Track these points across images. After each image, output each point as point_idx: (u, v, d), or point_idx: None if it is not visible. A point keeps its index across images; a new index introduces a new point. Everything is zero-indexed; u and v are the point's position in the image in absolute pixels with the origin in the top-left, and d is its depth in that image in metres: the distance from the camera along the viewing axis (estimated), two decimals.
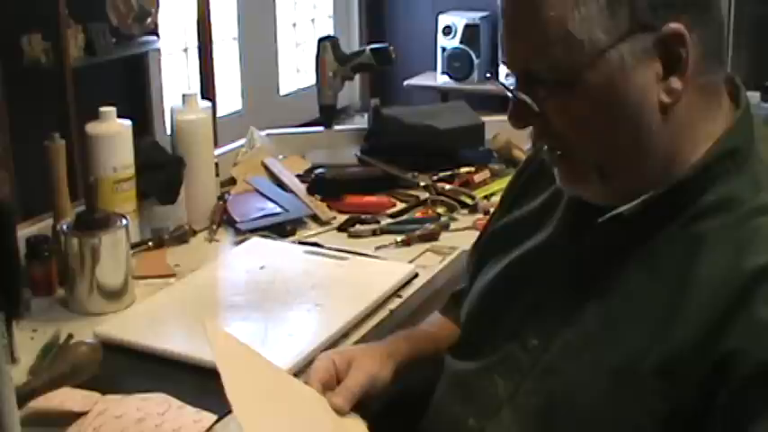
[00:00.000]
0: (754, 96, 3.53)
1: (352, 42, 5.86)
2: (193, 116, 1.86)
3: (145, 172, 1.76)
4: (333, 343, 1.41)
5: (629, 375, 0.95)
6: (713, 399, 0.89)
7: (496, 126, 2.21)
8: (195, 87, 4.60)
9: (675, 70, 0.96)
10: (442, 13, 5.42)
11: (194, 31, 4.57)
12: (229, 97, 5.20)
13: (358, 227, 1.84)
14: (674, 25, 0.94)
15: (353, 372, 1.18)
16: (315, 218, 1.90)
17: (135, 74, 4.37)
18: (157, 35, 4.25)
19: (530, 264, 1.12)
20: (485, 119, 2.24)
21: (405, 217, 1.91)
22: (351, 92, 5.75)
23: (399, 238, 1.78)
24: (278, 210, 1.91)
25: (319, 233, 1.85)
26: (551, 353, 1.03)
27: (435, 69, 5.42)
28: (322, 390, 1.16)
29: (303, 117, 4.20)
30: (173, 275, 1.66)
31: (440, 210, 1.95)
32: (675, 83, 0.96)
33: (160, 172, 1.80)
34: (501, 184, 1.99)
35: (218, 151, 2.06)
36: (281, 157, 2.20)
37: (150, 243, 1.76)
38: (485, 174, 2.09)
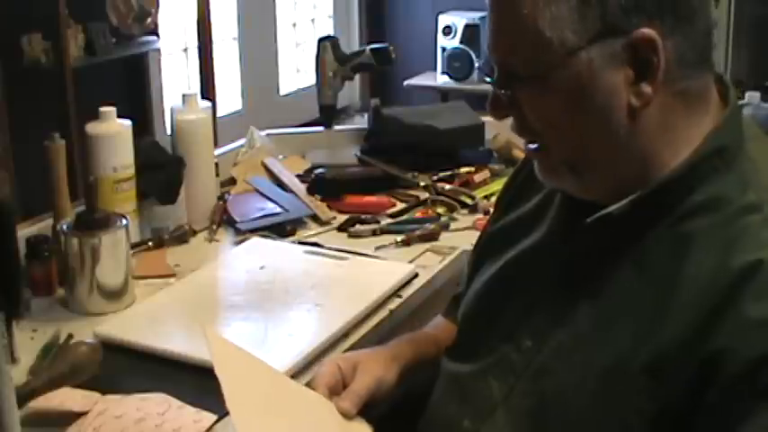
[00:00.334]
0: (754, 96, 3.52)
1: (352, 42, 5.86)
2: (193, 116, 1.86)
3: (145, 172, 1.76)
4: (333, 343, 1.41)
5: (619, 375, 0.95)
6: (702, 397, 0.90)
7: (496, 126, 2.20)
8: (195, 87, 4.60)
9: (646, 75, 0.96)
10: (441, 13, 5.42)
11: (194, 31, 4.57)
12: (229, 97, 5.20)
13: (358, 227, 1.84)
14: (645, 30, 0.95)
15: (359, 375, 1.19)
16: (315, 218, 1.90)
17: (135, 74, 4.37)
18: (157, 35, 4.25)
19: (524, 264, 1.13)
20: (485, 119, 2.24)
21: (405, 217, 1.91)
22: (351, 92, 5.75)
23: (399, 238, 1.78)
24: (278, 210, 1.91)
25: (319, 233, 1.85)
26: (544, 354, 1.04)
27: (435, 69, 5.42)
28: (328, 395, 1.16)
29: (303, 117, 4.20)
30: (173, 275, 1.66)
31: (440, 210, 1.95)
32: (646, 87, 0.97)
33: (160, 172, 1.80)
34: (501, 184, 1.97)
35: (218, 151, 2.06)
36: (281, 157, 2.20)
37: (150, 243, 1.76)
38: (485, 174, 2.09)
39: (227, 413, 1.21)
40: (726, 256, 0.93)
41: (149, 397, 1.24)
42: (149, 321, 1.46)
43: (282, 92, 5.71)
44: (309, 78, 4.90)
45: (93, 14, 3.91)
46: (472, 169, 2.10)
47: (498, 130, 2.20)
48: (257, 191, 2.01)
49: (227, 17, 5.18)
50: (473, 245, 1.33)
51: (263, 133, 2.28)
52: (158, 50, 4.39)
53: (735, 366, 0.88)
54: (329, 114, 2.35)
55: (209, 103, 1.92)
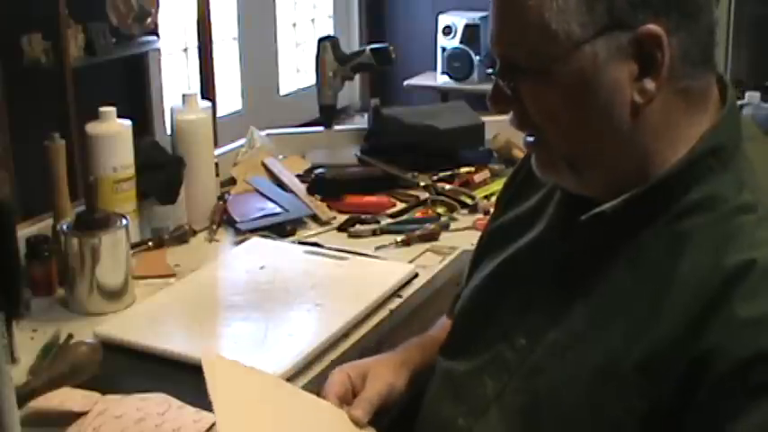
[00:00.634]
0: (754, 96, 3.52)
1: (352, 42, 5.86)
2: (193, 116, 1.86)
3: (145, 172, 1.76)
4: (333, 343, 1.41)
5: (611, 373, 0.95)
6: (693, 395, 0.90)
7: (496, 126, 2.21)
8: (195, 87, 4.60)
9: (650, 72, 0.96)
10: (441, 13, 5.42)
11: (194, 31, 4.57)
12: (229, 97, 5.20)
13: (358, 227, 1.84)
14: (651, 26, 0.94)
15: (370, 383, 1.19)
16: (315, 218, 1.90)
17: (135, 74, 4.37)
18: (157, 35, 4.25)
19: (520, 262, 1.13)
20: (485, 119, 2.24)
21: (405, 217, 1.91)
22: (351, 92, 5.76)
23: (399, 238, 1.78)
24: (278, 210, 1.91)
25: (319, 233, 1.85)
26: (538, 352, 1.03)
27: (435, 69, 5.42)
28: (339, 404, 1.16)
29: (303, 117, 4.20)
30: (173, 275, 1.66)
31: (440, 210, 1.95)
32: (649, 84, 0.96)
33: (160, 172, 1.80)
34: (501, 184, 1.97)
35: (218, 151, 2.06)
36: (281, 157, 2.20)
37: (150, 243, 1.76)
38: (485, 174, 2.09)
39: None
40: (719, 255, 0.93)
41: (149, 397, 1.24)
42: (149, 321, 1.46)
43: (282, 92, 5.72)
44: (309, 78, 4.90)
45: (93, 14, 3.91)
46: (472, 169, 2.09)
47: (498, 130, 2.20)
48: (257, 191, 2.01)
49: (227, 17, 5.19)
50: (474, 245, 1.33)
51: (263, 133, 2.28)
52: (158, 50, 4.39)
53: (725, 365, 0.88)
54: (329, 114, 2.35)
55: (209, 103, 1.92)
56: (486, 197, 1.98)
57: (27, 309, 1.51)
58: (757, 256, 0.91)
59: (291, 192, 1.99)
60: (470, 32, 5.29)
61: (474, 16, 5.31)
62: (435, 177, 2.07)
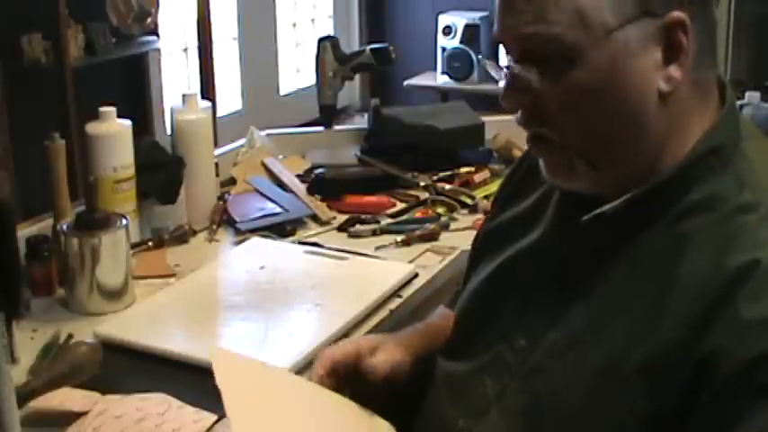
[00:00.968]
0: (754, 96, 3.51)
1: (352, 42, 5.86)
2: (193, 116, 1.86)
3: (145, 172, 1.76)
4: (333, 343, 1.40)
5: (613, 375, 0.95)
6: (697, 398, 0.89)
7: (496, 126, 2.21)
8: (195, 87, 4.60)
9: (675, 59, 0.96)
10: (441, 13, 5.42)
11: (194, 31, 4.57)
12: (229, 97, 5.20)
13: (358, 227, 1.84)
14: (678, 13, 0.95)
15: (381, 354, 1.18)
16: (315, 218, 1.90)
17: (135, 74, 4.37)
18: (157, 35, 4.25)
19: (520, 264, 1.12)
20: (485, 119, 2.24)
21: (405, 217, 1.91)
22: (351, 92, 5.75)
23: (399, 238, 1.78)
24: (278, 210, 1.91)
25: (319, 233, 1.85)
26: (538, 353, 1.03)
27: (435, 69, 5.42)
28: (329, 369, 1.15)
29: (303, 117, 4.20)
30: (173, 275, 1.66)
31: (440, 210, 1.95)
32: (675, 71, 0.96)
33: (160, 172, 1.80)
34: None
35: (218, 151, 2.06)
36: (281, 157, 2.20)
37: (150, 243, 1.76)
38: (485, 174, 2.09)
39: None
40: (722, 255, 0.92)
41: (149, 397, 1.24)
42: (149, 321, 1.46)
43: (282, 92, 5.72)
44: (309, 78, 4.90)
45: (93, 14, 3.91)
46: (472, 169, 2.10)
47: (498, 130, 2.20)
48: (257, 191, 2.01)
49: (227, 17, 5.19)
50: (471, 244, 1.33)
51: (263, 133, 2.28)
52: (158, 50, 4.39)
53: (730, 366, 0.87)
54: (329, 114, 2.35)
55: (209, 103, 1.92)
56: (486, 197, 1.98)
57: (27, 309, 1.51)
58: (761, 256, 0.90)
59: (291, 192, 1.99)
60: (470, 32, 5.29)
61: (474, 16, 5.31)
62: (435, 177, 2.07)
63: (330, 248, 1.74)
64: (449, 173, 2.09)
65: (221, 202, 1.93)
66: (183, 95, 1.86)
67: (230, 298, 1.60)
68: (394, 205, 1.97)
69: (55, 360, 1.32)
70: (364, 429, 1.13)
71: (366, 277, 1.61)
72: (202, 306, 1.54)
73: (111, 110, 1.71)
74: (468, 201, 1.97)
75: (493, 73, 1.06)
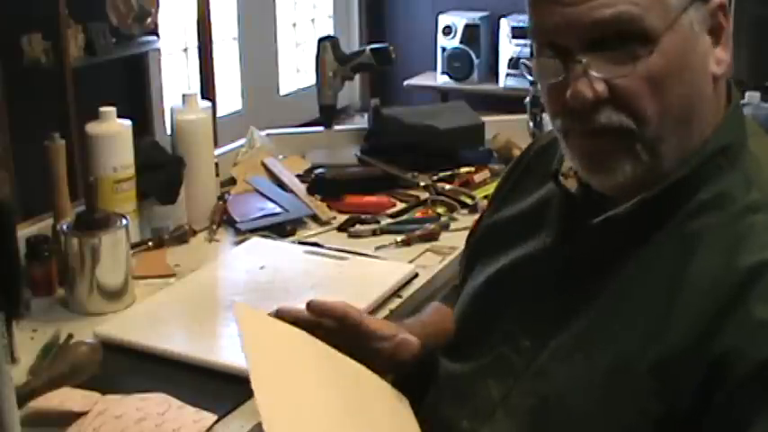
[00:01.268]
0: (754, 96, 3.51)
1: (352, 42, 5.86)
2: (193, 116, 1.86)
3: (145, 172, 1.76)
4: None
5: (623, 375, 0.94)
6: (709, 399, 0.89)
7: (496, 126, 2.21)
8: (195, 87, 4.60)
9: (718, 42, 0.99)
10: (441, 13, 5.42)
11: (194, 31, 4.56)
12: (229, 97, 5.20)
13: (358, 227, 1.84)
14: None
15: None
16: (315, 218, 1.90)
17: (135, 74, 4.37)
18: (157, 35, 4.25)
19: (522, 266, 1.12)
20: (485, 119, 2.24)
21: (405, 217, 1.91)
22: (351, 92, 5.75)
23: (399, 238, 1.78)
24: (278, 210, 1.91)
25: (319, 233, 1.85)
26: (543, 355, 1.03)
27: (435, 69, 5.42)
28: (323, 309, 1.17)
29: (303, 117, 4.20)
30: (173, 275, 1.66)
31: (440, 210, 1.95)
32: (720, 53, 0.99)
33: (160, 172, 1.80)
34: None
35: (218, 151, 2.06)
36: (281, 157, 2.20)
37: (150, 243, 1.76)
38: (485, 174, 2.09)
39: (227, 413, 1.22)
40: (732, 255, 0.92)
41: (149, 397, 1.24)
42: (149, 321, 1.46)
43: (282, 92, 5.71)
44: (309, 78, 4.89)
45: (93, 14, 3.91)
46: (472, 169, 2.10)
47: (498, 130, 2.21)
48: (257, 191, 2.01)
49: (227, 17, 5.18)
50: (466, 240, 1.32)
51: (263, 133, 2.28)
52: (158, 50, 4.39)
53: (744, 367, 0.87)
54: (329, 114, 2.35)
55: (209, 103, 1.92)
56: (486, 197, 1.98)
57: (27, 309, 1.51)
58: None
59: (291, 192, 1.99)
60: (470, 32, 5.29)
61: (474, 16, 5.31)
62: (435, 177, 2.07)
63: (330, 248, 1.74)
64: (449, 173, 2.09)
65: (221, 202, 1.93)
66: (183, 95, 1.86)
67: (230, 298, 1.60)
68: (394, 205, 1.97)
69: (55, 360, 1.32)
70: (381, 399, 1.13)
71: (366, 277, 1.61)
72: (202, 306, 1.54)
73: (111, 110, 1.71)
74: (468, 201, 1.97)
75: (528, 75, 1.04)
